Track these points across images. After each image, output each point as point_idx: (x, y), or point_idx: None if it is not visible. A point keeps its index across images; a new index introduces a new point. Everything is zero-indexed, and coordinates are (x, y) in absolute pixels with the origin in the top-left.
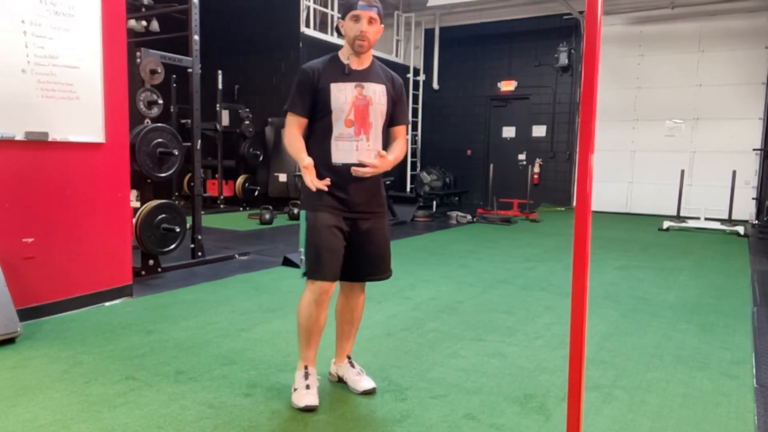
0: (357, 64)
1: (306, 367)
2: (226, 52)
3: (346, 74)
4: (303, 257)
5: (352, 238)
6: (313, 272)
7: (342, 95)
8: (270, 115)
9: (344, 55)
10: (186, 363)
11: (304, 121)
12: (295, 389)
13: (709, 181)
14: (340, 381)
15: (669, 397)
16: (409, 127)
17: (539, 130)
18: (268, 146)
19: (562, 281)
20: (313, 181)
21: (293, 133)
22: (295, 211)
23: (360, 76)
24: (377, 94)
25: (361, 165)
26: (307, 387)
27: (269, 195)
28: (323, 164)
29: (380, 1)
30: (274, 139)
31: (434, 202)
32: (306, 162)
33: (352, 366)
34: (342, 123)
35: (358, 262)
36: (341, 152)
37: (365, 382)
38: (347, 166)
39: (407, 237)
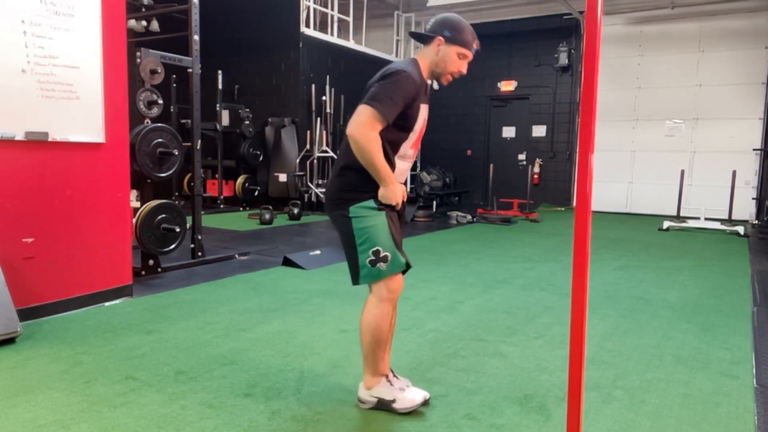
0: None
1: (386, 376)
2: (226, 52)
3: (426, 95)
4: (372, 258)
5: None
6: (398, 265)
7: (422, 117)
8: (270, 115)
9: (424, 71)
10: (186, 363)
11: (382, 126)
12: (394, 399)
13: (709, 181)
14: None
15: (669, 397)
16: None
17: (539, 130)
18: (268, 146)
19: (562, 281)
20: (398, 197)
21: (374, 135)
22: (350, 210)
23: (427, 97)
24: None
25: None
26: (405, 387)
27: (269, 195)
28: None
29: (381, 2)
30: (274, 139)
31: (434, 202)
32: (396, 186)
33: (398, 378)
34: (410, 144)
35: None
36: (399, 172)
37: (418, 394)
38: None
39: (407, 237)
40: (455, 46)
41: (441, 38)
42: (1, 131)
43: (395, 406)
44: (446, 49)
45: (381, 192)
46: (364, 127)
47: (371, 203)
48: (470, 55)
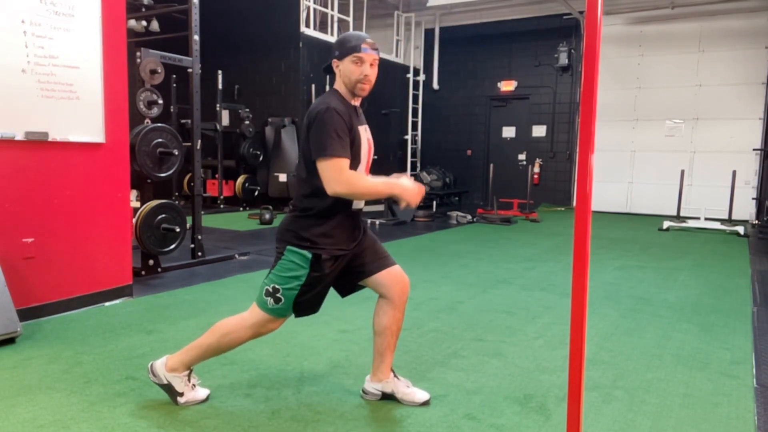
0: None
1: (191, 372)
2: (226, 52)
3: (358, 116)
4: (269, 290)
5: (355, 262)
6: (280, 313)
7: (365, 139)
8: (270, 115)
9: (345, 96)
10: None
11: (349, 163)
12: (182, 393)
13: (709, 181)
14: (385, 397)
15: (669, 397)
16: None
17: (539, 130)
18: (268, 146)
19: (562, 281)
20: (413, 191)
21: (353, 174)
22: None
23: (362, 119)
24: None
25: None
26: (194, 386)
27: (269, 195)
28: (342, 210)
29: (381, 2)
30: (274, 139)
31: (434, 202)
32: (400, 183)
33: (399, 379)
34: (362, 169)
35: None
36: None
37: (420, 394)
38: (358, 210)
39: (407, 237)
40: (347, 58)
41: (335, 60)
42: (1, 131)
43: (180, 399)
44: (343, 65)
45: (400, 198)
46: (340, 177)
47: (307, 254)
48: (364, 55)
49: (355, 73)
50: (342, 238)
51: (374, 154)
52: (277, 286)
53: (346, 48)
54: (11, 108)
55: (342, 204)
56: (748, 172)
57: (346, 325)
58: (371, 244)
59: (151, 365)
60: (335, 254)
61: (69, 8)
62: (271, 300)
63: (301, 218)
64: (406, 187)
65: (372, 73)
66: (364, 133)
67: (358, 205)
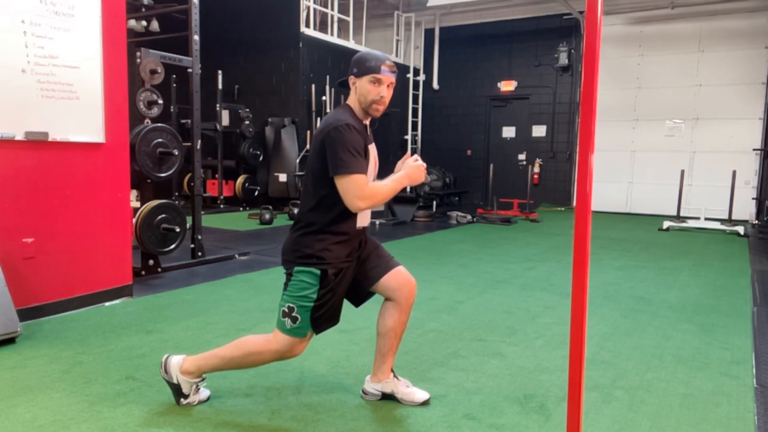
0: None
1: (204, 378)
2: (226, 52)
3: (368, 135)
4: (285, 310)
5: (360, 270)
6: (300, 333)
7: (372, 157)
8: (270, 115)
9: (358, 113)
10: None
11: (365, 178)
12: (187, 395)
13: (709, 181)
14: (384, 398)
15: (669, 397)
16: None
17: (539, 130)
18: (268, 146)
19: (562, 281)
20: (419, 174)
21: (371, 187)
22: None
23: (371, 137)
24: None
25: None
26: (199, 388)
27: (269, 195)
28: (343, 231)
29: (381, 2)
30: (274, 139)
31: (434, 202)
32: (404, 171)
33: (399, 379)
34: None
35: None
36: (364, 215)
37: (420, 394)
38: (362, 229)
39: (407, 237)
40: (365, 77)
41: (352, 76)
42: (1, 131)
43: (183, 401)
44: (360, 83)
45: (408, 182)
46: (362, 193)
47: (315, 270)
48: (383, 77)
49: (372, 93)
50: (346, 251)
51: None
52: (291, 305)
53: (366, 67)
54: (11, 108)
55: (347, 222)
56: (748, 172)
57: (346, 325)
58: (373, 249)
59: (166, 361)
60: (341, 267)
61: (69, 8)
62: (289, 321)
63: (304, 236)
64: (411, 174)
65: (388, 95)
66: (372, 151)
67: (363, 222)
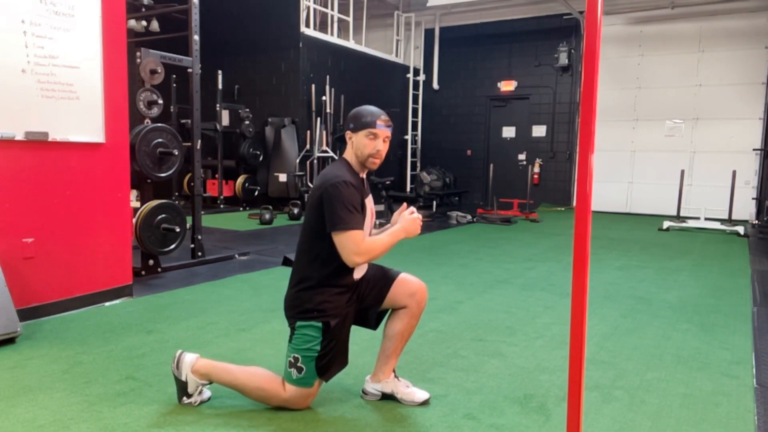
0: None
1: (210, 383)
2: (226, 52)
3: (364, 188)
4: (291, 360)
5: (363, 297)
6: (306, 383)
7: (369, 210)
8: (270, 115)
9: (355, 167)
10: None
11: (362, 233)
12: (191, 395)
13: (709, 181)
14: (384, 398)
15: (669, 397)
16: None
17: (539, 130)
18: (268, 146)
19: (562, 281)
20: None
21: (368, 242)
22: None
23: (367, 190)
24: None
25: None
26: (202, 389)
27: (269, 195)
28: (340, 284)
29: (381, 2)
30: (274, 139)
31: (434, 202)
32: (400, 224)
33: (399, 379)
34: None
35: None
36: (360, 268)
37: (420, 393)
38: (360, 280)
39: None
40: (361, 132)
41: (349, 132)
42: (1, 131)
43: (185, 399)
44: (356, 138)
45: (404, 235)
46: (359, 249)
47: (316, 324)
48: (379, 131)
49: (368, 148)
50: (345, 298)
51: None
52: (297, 356)
53: (361, 123)
54: (11, 108)
55: (344, 276)
56: (748, 172)
57: None
58: (369, 270)
59: (179, 357)
60: (342, 315)
61: (69, 8)
62: (295, 371)
63: (303, 291)
64: (407, 227)
65: (384, 149)
66: (369, 203)
67: (360, 275)
